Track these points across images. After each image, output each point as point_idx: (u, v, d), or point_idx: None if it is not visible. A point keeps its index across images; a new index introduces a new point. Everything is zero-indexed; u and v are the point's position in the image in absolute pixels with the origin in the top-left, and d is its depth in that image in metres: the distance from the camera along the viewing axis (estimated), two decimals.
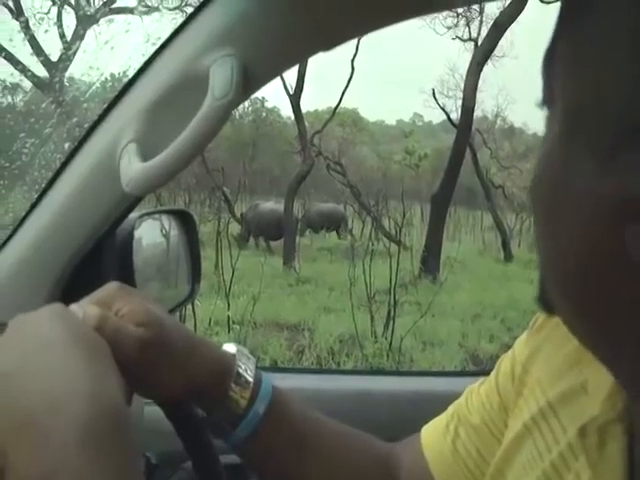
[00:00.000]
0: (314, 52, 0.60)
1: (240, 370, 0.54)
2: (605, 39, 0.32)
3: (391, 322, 5.36)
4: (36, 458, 0.30)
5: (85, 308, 0.45)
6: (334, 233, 13.51)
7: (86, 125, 0.72)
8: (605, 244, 0.32)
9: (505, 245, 11.68)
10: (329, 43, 0.59)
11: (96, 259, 0.76)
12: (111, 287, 0.49)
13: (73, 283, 0.76)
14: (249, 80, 0.58)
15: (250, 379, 0.54)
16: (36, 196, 0.75)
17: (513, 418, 0.53)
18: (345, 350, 5.14)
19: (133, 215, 0.81)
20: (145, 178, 0.60)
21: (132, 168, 0.62)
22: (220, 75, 0.57)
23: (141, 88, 0.66)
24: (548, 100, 0.37)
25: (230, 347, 0.56)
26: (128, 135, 0.65)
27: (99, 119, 0.69)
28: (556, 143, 0.35)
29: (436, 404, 0.64)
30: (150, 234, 0.98)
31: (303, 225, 12.29)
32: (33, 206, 0.74)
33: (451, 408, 0.62)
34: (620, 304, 0.33)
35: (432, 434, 0.62)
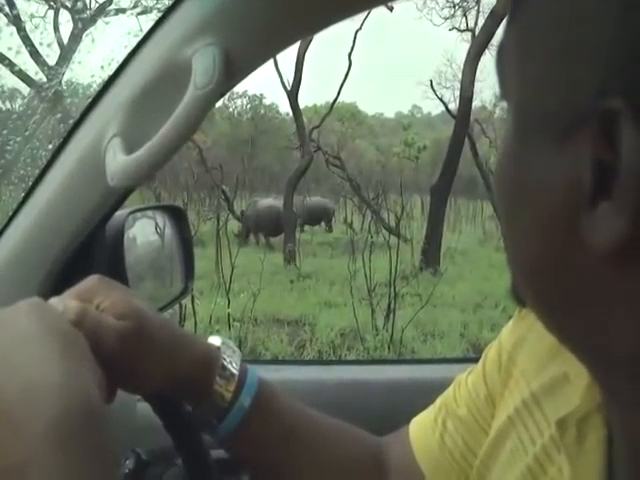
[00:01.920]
0: (297, 38, 0.59)
1: (225, 363, 0.53)
2: (542, 32, 0.33)
3: (392, 314, 5.36)
4: (6, 451, 0.30)
5: (65, 301, 0.44)
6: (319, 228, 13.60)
7: (71, 121, 0.71)
8: (561, 234, 0.33)
9: None
10: (312, 28, 0.58)
11: (86, 255, 0.76)
12: (92, 280, 0.48)
13: (63, 280, 0.75)
14: (232, 69, 0.57)
15: (235, 372, 0.53)
16: (23, 194, 0.74)
17: (499, 410, 0.52)
18: (346, 344, 5.15)
19: (123, 211, 0.81)
20: (129, 171, 0.59)
21: (117, 162, 0.61)
22: (202, 64, 0.56)
23: (124, 81, 0.65)
24: (504, 94, 0.38)
25: (215, 340, 0.56)
26: (113, 129, 0.65)
27: (84, 114, 0.69)
28: (512, 134, 0.36)
29: (435, 391, 0.63)
30: (144, 232, 0.97)
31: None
32: (21, 204, 0.74)
33: (439, 400, 0.61)
34: (580, 297, 0.33)
35: (420, 427, 0.61)
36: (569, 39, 0.31)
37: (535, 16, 0.34)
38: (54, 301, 0.45)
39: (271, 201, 12.13)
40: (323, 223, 13.92)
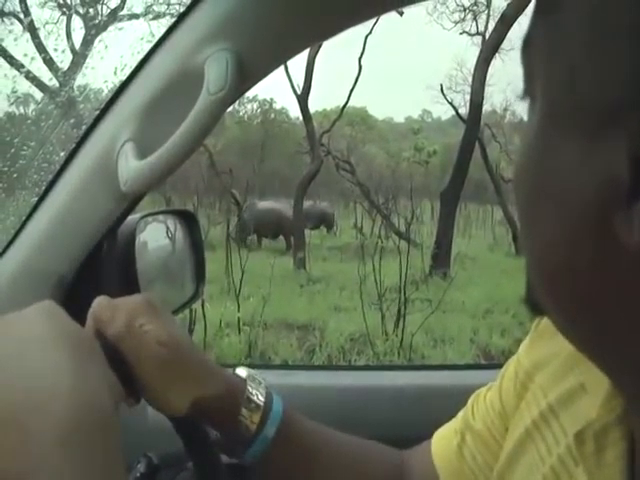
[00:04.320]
0: (309, 44, 0.59)
1: (250, 395, 0.55)
2: (578, 20, 0.31)
3: (402, 319, 5.34)
4: (15, 456, 0.30)
5: (114, 311, 0.47)
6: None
7: (84, 126, 0.72)
8: (592, 235, 0.31)
9: (516, 239, 11.58)
10: (325, 33, 0.58)
11: (98, 261, 0.76)
12: (140, 300, 0.51)
13: (75, 285, 0.75)
14: (245, 74, 0.57)
15: (260, 404, 0.55)
16: (36, 199, 0.74)
17: (514, 423, 0.52)
18: (356, 349, 5.13)
19: (135, 216, 0.81)
20: (141, 177, 0.59)
21: (129, 167, 0.62)
22: (215, 70, 0.56)
23: (137, 86, 0.66)
24: (528, 89, 0.36)
25: (242, 371, 0.58)
26: (125, 134, 0.65)
27: (97, 119, 0.69)
28: (538, 131, 0.34)
29: (444, 398, 0.63)
30: (155, 236, 0.98)
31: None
32: (34, 208, 0.74)
33: (460, 414, 0.62)
34: (613, 299, 0.31)
35: (441, 440, 0.62)
36: (603, 29, 0.30)
37: (567, 7, 0.32)
38: (102, 304, 0.48)
39: (270, 204, 12.12)
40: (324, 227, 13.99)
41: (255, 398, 0.55)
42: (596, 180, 0.30)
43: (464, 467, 0.57)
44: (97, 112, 0.69)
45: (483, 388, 0.60)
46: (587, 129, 0.30)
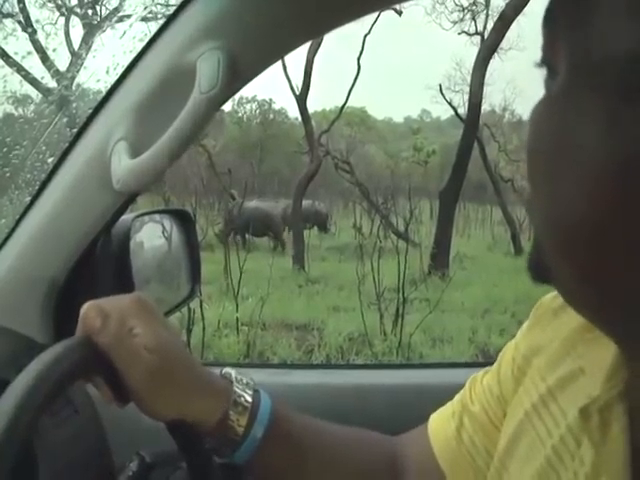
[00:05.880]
0: (302, 42, 0.59)
1: (237, 398, 0.55)
2: None
3: (400, 319, 5.34)
4: None
5: (104, 321, 0.49)
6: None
7: (77, 125, 0.72)
8: (617, 196, 0.31)
9: (515, 239, 11.60)
10: (316, 32, 0.58)
11: (92, 260, 0.76)
12: (133, 299, 0.52)
13: (70, 284, 0.75)
14: (237, 73, 0.58)
15: (247, 405, 0.55)
16: (29, 198, 0.74)
17: (513, 408, 0.52)
18: (354, 348, 5.13)
19: (129, 215, 0.81)
20: (134, 175, 0.60)
21: (122, 166, 0.62)
22: (207, 69, 0.56)
23: (130, 85, 0.66)
24: (548, 59, 0.36)
25: (229, 373, 0.58)
26: (118, 133, 0.65)
27: (90, 118, 0.69)
28: (559, 98, 0.34)
29: (442, 396, 0.63)
30: (151, 236, 0.98)
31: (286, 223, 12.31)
32: (27, 208, 0.74)
33: (457, 397, 0.62)
34: (630, 261, 0.32)
35: (439, 423, 0.62)
36: None
37: None
38: (91, 311, 0.48)
39: (256, 203, 12.16)
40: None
41: (242, 400, 0.55)
42: (624, 142, 0.30)
43: (462, 450, 0.57)
44: (90, 111, 0.69)
45: (480, 372, 0.61)
46: (617, 92, 0.31)
